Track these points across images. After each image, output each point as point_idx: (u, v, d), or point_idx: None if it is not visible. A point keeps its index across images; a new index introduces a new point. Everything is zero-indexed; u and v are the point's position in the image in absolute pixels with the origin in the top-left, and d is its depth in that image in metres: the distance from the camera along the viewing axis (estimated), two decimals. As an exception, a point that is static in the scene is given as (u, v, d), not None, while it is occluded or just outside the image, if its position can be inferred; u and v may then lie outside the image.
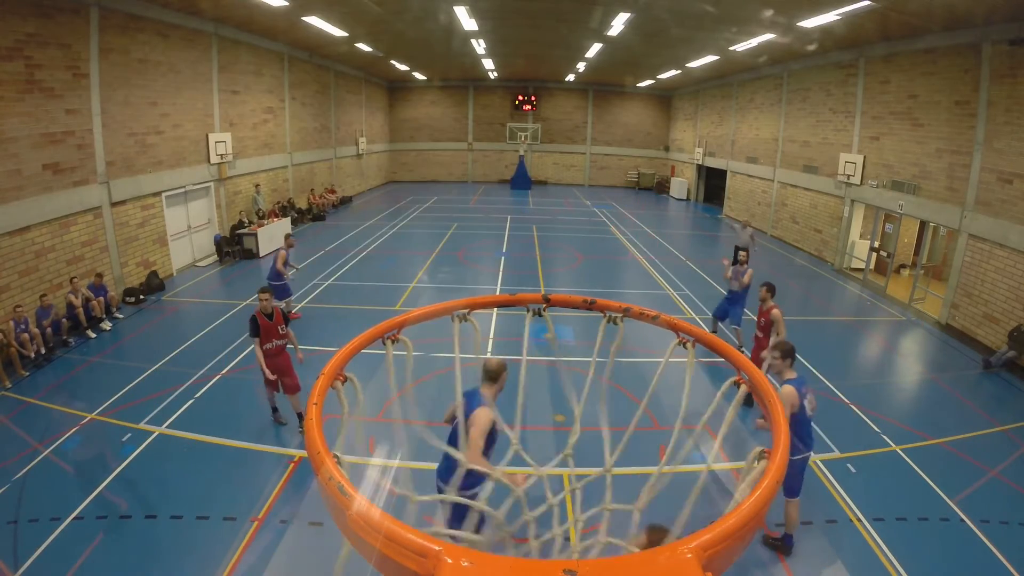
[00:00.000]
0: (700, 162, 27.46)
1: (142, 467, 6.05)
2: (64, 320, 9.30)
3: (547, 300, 2.85)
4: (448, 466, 3.34)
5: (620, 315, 2.68)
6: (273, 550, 4.88)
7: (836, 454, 6.60)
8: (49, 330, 8.80)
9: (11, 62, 8.76)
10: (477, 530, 2.76)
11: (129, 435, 6.59)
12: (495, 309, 10.34)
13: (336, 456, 1.57)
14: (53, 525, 5.07)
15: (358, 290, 12.44)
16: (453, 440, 3.22)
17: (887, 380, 9.08)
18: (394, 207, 24.00)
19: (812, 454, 4.91)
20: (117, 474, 5.87)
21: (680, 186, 29.62)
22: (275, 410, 6.92)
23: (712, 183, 27.73)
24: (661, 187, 32.16)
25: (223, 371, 8.28)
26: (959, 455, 6.73)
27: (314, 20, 14.47)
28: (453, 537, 2.58)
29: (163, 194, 12.73)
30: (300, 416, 6.76)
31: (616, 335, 2.77)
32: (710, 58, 19.05)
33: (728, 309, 9.42)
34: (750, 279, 8.93)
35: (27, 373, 8.15)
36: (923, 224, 13.61)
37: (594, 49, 19.47)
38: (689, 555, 1.22)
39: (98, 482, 5.70)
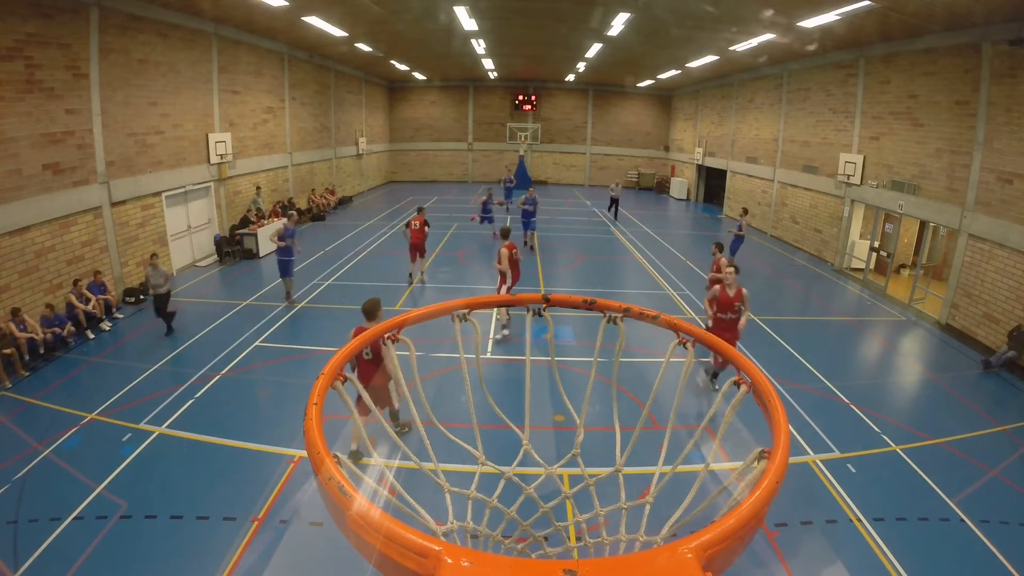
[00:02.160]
0: (700, 162, 27.47)
1: (142, 467, 6.05)
2: (69, 326, 9.27)
3: (547, 300, 2.85)
4: None
5: (620, 315, 2.68)
6: (273, 550, 4.88)
7: (836, 454, 6.60)
8: (50, 336, 8.80)
9: (11, 62, 8.76)
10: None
11: (129, 435, 6.60)
12: (495, 309, 10.34)
13: (336, 456, 1.57)
14: (53, 525, 5.07)
15: (358, 290, 12.44)
16: None
17: (887, 380, 9.09)
18: (394, 207, 24.01)
19: None
20: (117, 474, 5.87)
21: (680, 186, 29.62)
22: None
23: (712, 183, 27.73)
24: (661, 187, 32.17)
25: (223, 371, 8.28)
26: (959, 455, 6.73)
27: (314, 20, 14.48)
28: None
29: (163, 194, 12.74)
30: None
31: (617, 336, 2.77)
32: (710, 58, 19.06)
33: None
34: None
35: (27, 373, 8.16)
36: (923, 224, 13.61)
37: (594, 49, 19.47)
38: (689, 555, 1.22)
39: (98, 482, 5.71)
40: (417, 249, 12.58)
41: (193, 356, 8.75)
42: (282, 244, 10.76)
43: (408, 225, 12.50)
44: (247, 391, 7.85)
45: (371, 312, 5.82)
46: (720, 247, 10.28)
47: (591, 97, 32.31)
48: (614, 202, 22.51)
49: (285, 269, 11.09)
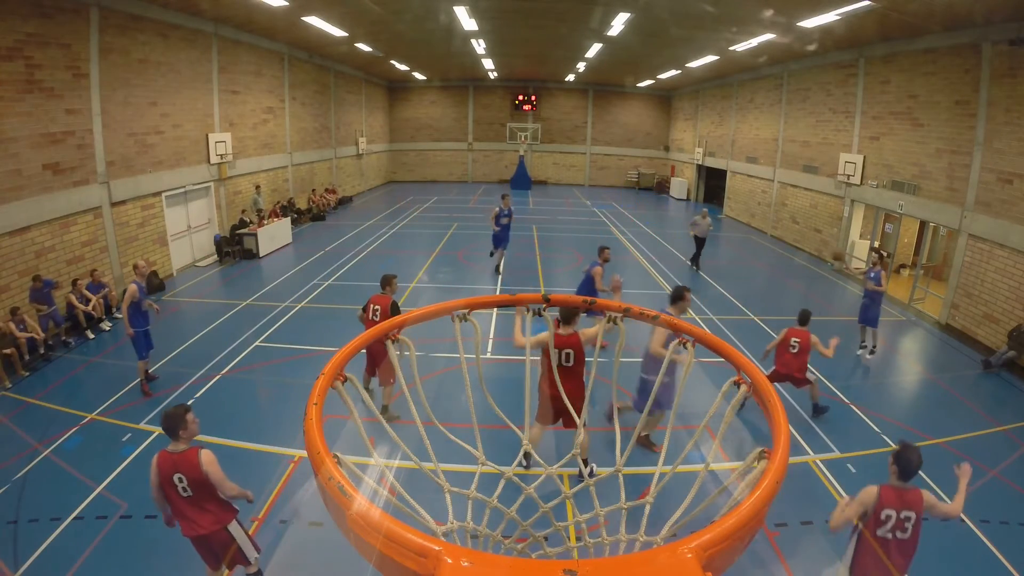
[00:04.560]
0: (700, 162, 27.47)
1: (142, 467, 6.04)
2: (59, 315, 9.30)
3: (547, 300, 2.85)
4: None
5: (620, 315, 2.68)
6: (273, 550, 4.87)
7: (836, 454, 6.60)
8: (51, 322, 8.86)
9: (11, 62, 8.76)
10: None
11: (129, 435, 6.60)
12: (495, 309, 10.33)
13: (336, 456, 1.57)
14: (53, 525, 5.07)
15: (358, 290, 12.43)
16: None
17: (887, 380, 9.08)
18: (394, 207, 24.01)
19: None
20: (117, 474, 5.87)
21: (680, 186, 29.63)
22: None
23: (712, 183, 27.73)
24: (661, 187, 32.17)
25: (223, 371, 8.28)
26: (959, 455, 6.72)
27: (314, 20, 14.47)
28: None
29: (163, 194, 12.74)
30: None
31: (617, 336, 2.77)
32: (710, 58, 19.06)
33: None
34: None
35: (27, 373, 8.16)
36: (923, 224, 13.61)
37: (594, 49, 19.47)
38: (689, 555, 1.22)
39: (98, 482, 5.71)
40: (375, 362, 6.85)
41: (193, 356, 8.74)
42: (131, 332, 7.32)
43: (365, 309, 6.93)
44: (247, 391, 7.84)
45: (171, 428, 3.81)
46: (804, 318, 7.22)
47: (591, 97, 32.31)
48: (699, 244, 14.94)
49: (145, 344, 7.52)
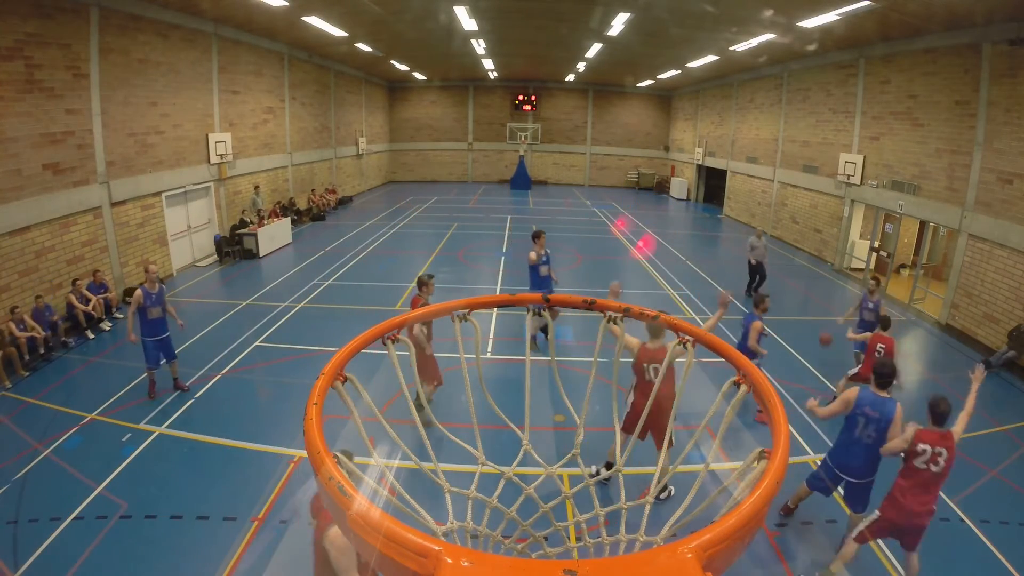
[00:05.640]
0: (700, 162, 27.47)
1: (142, 467, 6.05)
2: (61, 323, 9.26)
3: (547, 300, 2.85)
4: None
5: (620, 315, 2.68)
6: (273, 550, 4.87)
7: (836, 454, 6.57)
8: (50, 331, 8.81)
9: (11, 62, 8.76)
10: None
11: (129, 435, 6.59)
12: (495, 309, 10.33)
13: (336, 456, 1.57)
14: (53, 525, 5.07)
15: (358, 290, 12.45)
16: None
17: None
18: (394, 207, 24.01)
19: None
20: (117, 474, 5.87)
21: (680, 186, 29.63)
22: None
23: (712, 183, 27.73)
24: (661, 187, 32.18)
25: (223, 371, 8.28)
26: (959, 455, 6.70)
27: (314, 20, 14.48)
28: None
29: (163, 194, 12.74)
30: None
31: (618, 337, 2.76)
32: (710, 58, 19.06)
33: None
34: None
35: (27, 373, 8.15)
36: (923, 224, 13.61)
37: (594, 49, 19.47)
38: (689, 555, 1.22)
39: (98, 482, 5.71)
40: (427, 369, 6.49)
41: (193, 356, 8.74)
42: (133, 339, 7.18)
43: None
44: (247, 391, 7.85)
45: None
46: (886, 324, 7.50)
47: (591, 97, 32.30)
48: (756, 270, 12.39)
49: (160, 351, 7.39)
